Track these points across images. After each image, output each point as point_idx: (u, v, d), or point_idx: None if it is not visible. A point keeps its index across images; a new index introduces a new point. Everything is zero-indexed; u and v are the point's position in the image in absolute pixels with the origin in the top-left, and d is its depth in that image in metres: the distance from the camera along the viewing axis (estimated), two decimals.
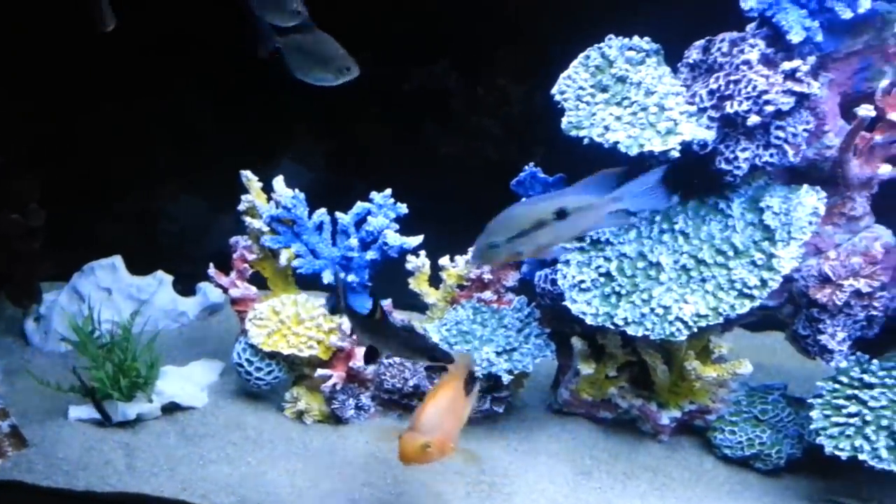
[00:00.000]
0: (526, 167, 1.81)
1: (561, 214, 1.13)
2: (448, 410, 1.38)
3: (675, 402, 1.88)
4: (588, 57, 1.60)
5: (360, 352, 1.91)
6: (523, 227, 1.13)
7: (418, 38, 2.40)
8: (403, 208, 1.92)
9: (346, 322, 1.88)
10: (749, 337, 2.36)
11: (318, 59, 1.57)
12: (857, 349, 1.76)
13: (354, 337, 1.91)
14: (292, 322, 1.86)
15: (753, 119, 1.42)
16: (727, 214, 1.63)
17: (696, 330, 1.59)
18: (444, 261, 1.93)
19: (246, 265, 1.89)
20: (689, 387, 1.83)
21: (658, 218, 1.66)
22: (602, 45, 1.60)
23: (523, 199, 1.72)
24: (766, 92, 1.41)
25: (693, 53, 1.53)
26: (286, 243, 1.87)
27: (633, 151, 1.47)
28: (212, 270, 1.91)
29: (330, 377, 1.86)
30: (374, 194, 1.91)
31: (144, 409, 1.84)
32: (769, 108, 1.41)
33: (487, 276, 1.98)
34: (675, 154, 1.46)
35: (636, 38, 1.60)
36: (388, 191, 1.92)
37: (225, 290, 1.91)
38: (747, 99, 1.43)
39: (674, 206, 1.66)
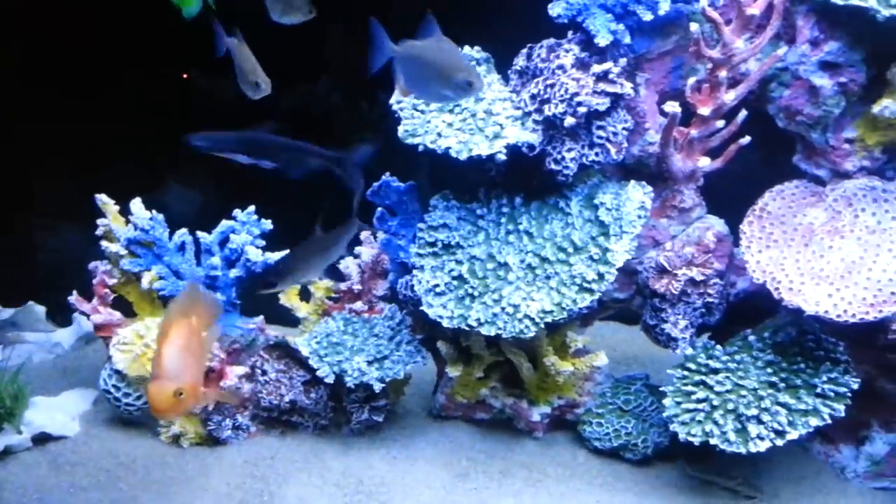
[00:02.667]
0: (383, 177, 1.86)
1: None
2: (187, 350, 1.26)
3: (544, 398, 1.95)
4: None
5: (231, 371, 1.93)
6: None
7: (299, 55, 2.45)
8: (268, 224, 1.96)
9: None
10: (626, 329, 2.46)
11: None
12: (709, 336, 1.85)
13: (224, 357, 1.94)
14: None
15: (569, 120, 1.51)
16: (567, 213, 1.72)
17: (542, 326, 1.67)
18: None
19: (107, 290, 1.91)
20: (554, 382, 1.90)
21: (504, 219, 1.73)
22: None
23: None
24: (577, 94, 1.50)
25: (520, 60, 1.63)
26: (147, 266, 1.89)
27: (463, 156, 1.54)
28: (73, 298, 1.92)
29: None
30: (237, 212, 1.95)
31: (13, 441, 1.84)
32: (582, 109, 1.51)
33: (357, 287, 2.03)
34: (502, 157, 1.54)
35: (467, 48, 1.68)
36: (252, 208, 1.96)
37: (88, 317, 1.92)
38: (562, 101, 1.52)
39: (518, 206, 1.73)
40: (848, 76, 1.52)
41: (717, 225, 1.77)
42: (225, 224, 1.99)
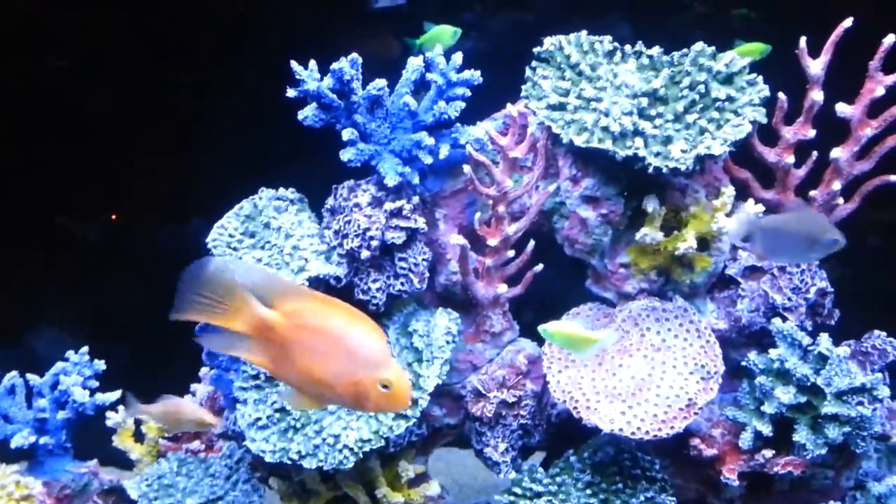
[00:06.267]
0: None
1: None
2: None
3: None
4: (241, 207, 1.94)
5: None
6: None
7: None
8: (101, 365, 2.14)
9: (38, 486, 2.03)
10: None
11: None
12: (544, 458, 2.03)
13: (51, 502, 2.05)
14: None
15: (365, 253, 1.78)
16: (387, 342, 1.93)
17: (361, 455, 1.85)
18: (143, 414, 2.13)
19: None
20: None
21: None
22: (254, 196, 1.95)
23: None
24: (368, 229, 1.78)
25: (330, 199, 1.90)
26: None
27: None
28: None
29: None
30: (70, 353, 2.13)
31: None
32: (375, 243, 1.77)
33: None
34: None
35: (282, 189, 1.96)
36: (85, 349, 2.14)
37: None
38: (357, 236, 1.79)
39: None
40: (607, 208, 1.83)
41: (529, 347, 2.01)
42: (59, 366, 2.17)
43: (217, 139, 2.67)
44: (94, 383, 2.22)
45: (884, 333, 1.99)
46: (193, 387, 2.29)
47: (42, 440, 2.15)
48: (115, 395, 2.21)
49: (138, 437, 2.27)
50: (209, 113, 2.67)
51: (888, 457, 2.21)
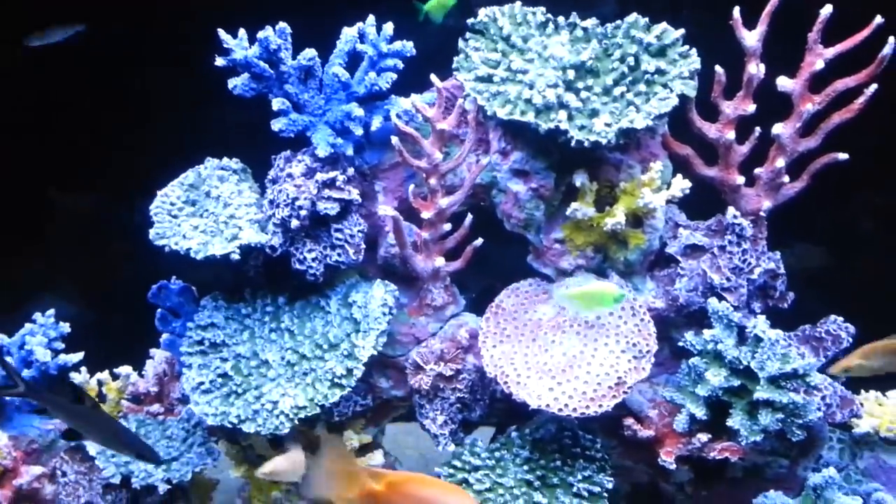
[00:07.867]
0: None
1: None
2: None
3: None
4: (186, 176, 2.02)
5: (27, 470, 2.18)
6: None
7: None
8: (66, 327, 2.26)
9: (4, 439, 2.17)
10: None
11: None
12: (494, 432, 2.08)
13: (18, 455, 2.19)
14: None
15: (294, 223, 1.84)
16: (327, 311, 2.02)
17: (296, 421, 1.92)
18: (102, 375, 2.26)
19: None
20: None
21: (268, 318, 2.02)
22: (200, 166, 2.02)
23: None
24: (297, 198, 1.83)
25: (272, 170, 1.96)
26: None
27: (200, 256, 1.87)
28: None
29: None
30: (37, 315, 2.26)
31: None
32: (303, 213, 1.83)
33: (154, 389, 2.30)
34: (236, 256, 1.85)
35: (226, 159, 2.03)
36: (52, 311, 2.26)
37: None
38: (286, 205, 1.85)
39: (282, 305, 2.02)
40: (537, 182, 1.84)
41: (472, 322, 2.05)
42: (27, 327, 2.30)
43: (199, 113, 2.74)
44: (60, 344, 2.34)
45: (840, 318, 1.96)
46: (153, 351, 2.40)
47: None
48: (77, 356, 2.33)
49: (101, 398, 2.39)
50: (190, 88, 2.74)
51: (852, 447, 2.18)
